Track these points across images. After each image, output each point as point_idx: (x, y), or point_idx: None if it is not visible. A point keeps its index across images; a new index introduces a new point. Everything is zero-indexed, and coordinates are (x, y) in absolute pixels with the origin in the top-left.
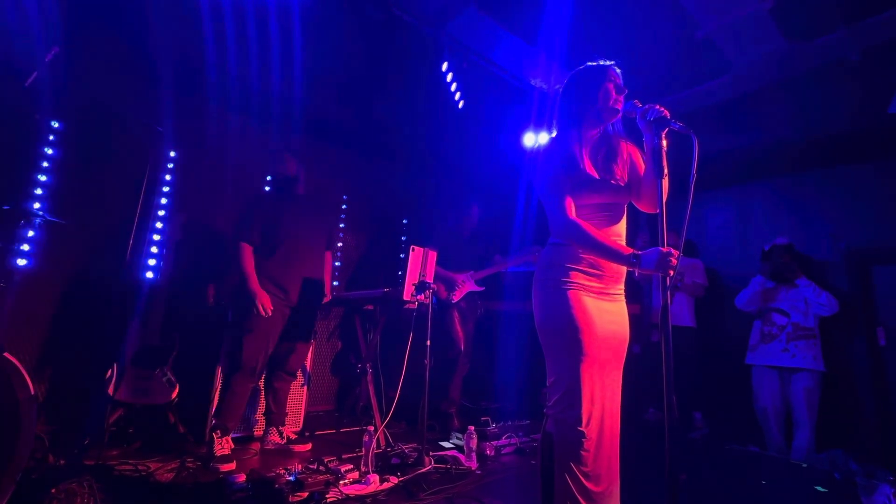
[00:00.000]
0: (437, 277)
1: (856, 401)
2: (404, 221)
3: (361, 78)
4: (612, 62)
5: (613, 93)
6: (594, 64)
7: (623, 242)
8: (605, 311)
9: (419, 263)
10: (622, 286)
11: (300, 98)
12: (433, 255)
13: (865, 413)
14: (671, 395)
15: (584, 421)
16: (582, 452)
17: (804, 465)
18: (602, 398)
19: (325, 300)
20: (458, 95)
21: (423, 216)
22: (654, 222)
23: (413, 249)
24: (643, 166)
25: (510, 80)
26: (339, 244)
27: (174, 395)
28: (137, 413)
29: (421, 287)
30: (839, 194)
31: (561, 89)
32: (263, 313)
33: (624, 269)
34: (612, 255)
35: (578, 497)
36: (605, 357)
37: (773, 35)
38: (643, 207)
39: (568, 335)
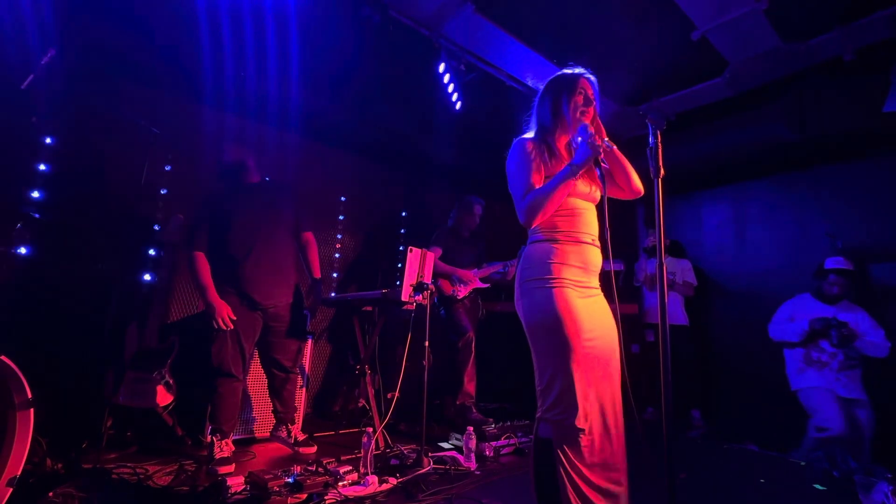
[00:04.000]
0: (440, 274)
1: None
2: (403, 222)
3: (358, 79)
4: (584, 70)
5: (581, 105)
6: (569, 72)
7: (597, 240)
8: (590, 307)
9: (417, 264)
10: (597, 281)
11: (297, 99)
12: (431, 256)
13: None
14: (668, 394)
15: (582, 418)
16: (584, 450)
17: (802, 464)
18: (597, 394)
19: (316, 279)
20: (455, 97)
21: (422, 217)
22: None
23: (411, 250)
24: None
25: (507, 81)
26: (337, 245)
27: (172, 397)
28: (135, 416)
29: (419, 288)
30: (835, 192)
31: (537, 97)
32: (224, 326)
33: (600, 260)
34: (563, 179)
35: (588, 494)
36: (595, 353)
37: (768, 35)
38: (623, 196)
39: (558, 334)
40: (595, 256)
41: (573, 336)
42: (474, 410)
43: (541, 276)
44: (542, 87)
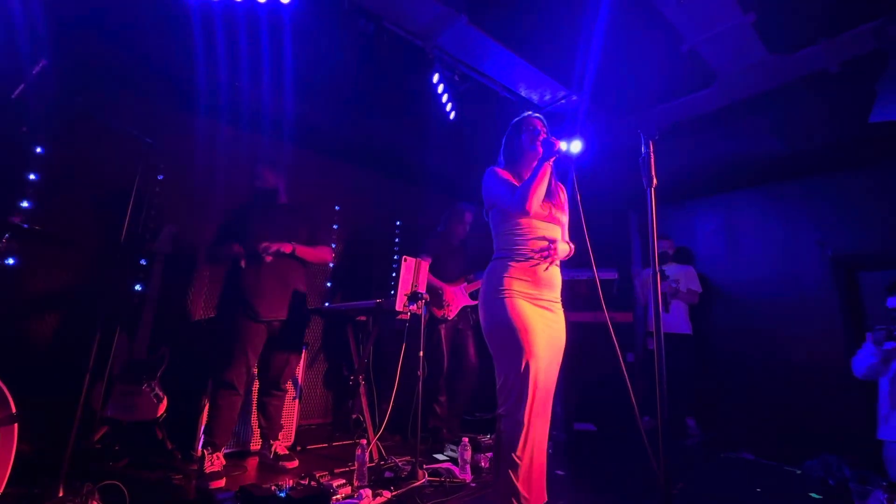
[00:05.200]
0: (429, 289)
1: (846, 404)
2: (397, 231)
3: (352, 89)
4: (530, 112)
5: (532, 136)
6: (517, 119)
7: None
8: (543, 317)
9: (411, 274)
10: (557, 294)
11: (291, 109)
12: (425, 266)
13: (857, 417)
14: (665, 404)
15: (526, 414)
16: (519, 440)
17: (798, 472)
18: (537, 390)
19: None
20: (449, 107)
21: (416, 227)
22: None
23: (405, 260)
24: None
25: (501, 92)
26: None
27: (162, 410)
28: (124, 429)
29: (413, 297)
30: (825, 201)
31: (504, 139)
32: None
33: (558, 278)
34: (539, 168)
35: (513, 478)
36: (545, 355)
37: (756, 47)
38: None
39: (512, 338)
40: (546, 272)
41: (525, 340)
42: (445, 431)
43: (496, 288)
44: (505, 132)
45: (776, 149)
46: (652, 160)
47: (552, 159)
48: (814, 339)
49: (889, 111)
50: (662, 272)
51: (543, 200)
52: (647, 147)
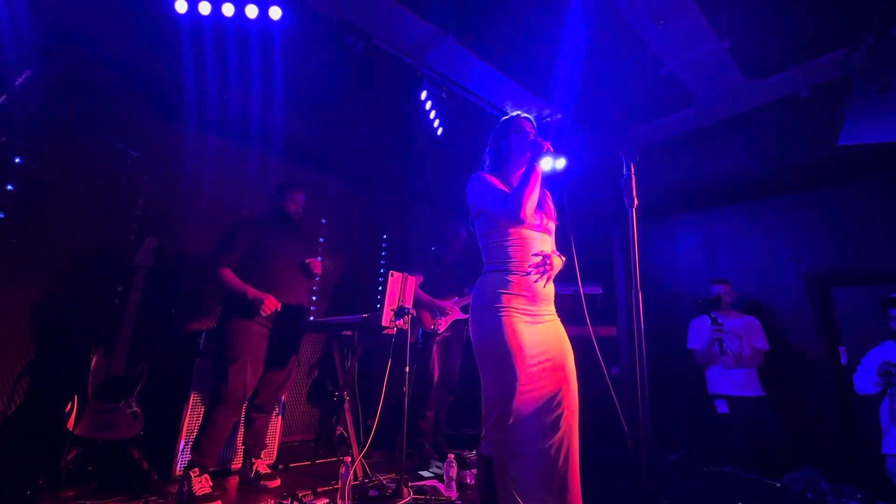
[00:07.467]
0: (421, 304)
1: (821, 419)
2: (384, 246)
3: (341, 104)
4: (519, 112)
5: (520, 142)
6: (506, 118)
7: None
8: (537, 334)
9: (398, 289)
10: (552, 307)
11: (280, 123)
12: (412, 281)
13: (831, 431)
14: (646, 423)
15: (521, 440)
16: (522, 470)
17: (778, 485)
18: (539, 416)
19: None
20: (436, 123)
21: (403, 242)
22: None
23: (392, 275)
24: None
25: (487, 109)
26: None
27: (139, 428)
28: (98, 449)
29: (400, 312)
30: (799, 219)
31: (488, 143)
32: (269, 312)
33: (552, 291)
34: (530, 169)
35: None
36: (540, 377)
37: (732, 71)
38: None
39: (502, 359)
40: (544, 287)
41: (518, 361)
42: (427, 446)
43: (490, 304)
44: (490, 135)
45: (752, 167)
46: (633, 181)
47: (542, 161)
48: (791, 352)
49: (855, 134)
50: (715, 319)
51: (535, 209)
52: (629, 168)
